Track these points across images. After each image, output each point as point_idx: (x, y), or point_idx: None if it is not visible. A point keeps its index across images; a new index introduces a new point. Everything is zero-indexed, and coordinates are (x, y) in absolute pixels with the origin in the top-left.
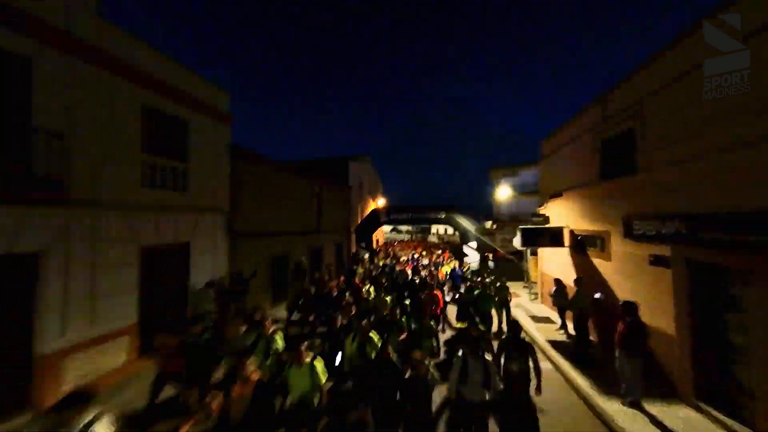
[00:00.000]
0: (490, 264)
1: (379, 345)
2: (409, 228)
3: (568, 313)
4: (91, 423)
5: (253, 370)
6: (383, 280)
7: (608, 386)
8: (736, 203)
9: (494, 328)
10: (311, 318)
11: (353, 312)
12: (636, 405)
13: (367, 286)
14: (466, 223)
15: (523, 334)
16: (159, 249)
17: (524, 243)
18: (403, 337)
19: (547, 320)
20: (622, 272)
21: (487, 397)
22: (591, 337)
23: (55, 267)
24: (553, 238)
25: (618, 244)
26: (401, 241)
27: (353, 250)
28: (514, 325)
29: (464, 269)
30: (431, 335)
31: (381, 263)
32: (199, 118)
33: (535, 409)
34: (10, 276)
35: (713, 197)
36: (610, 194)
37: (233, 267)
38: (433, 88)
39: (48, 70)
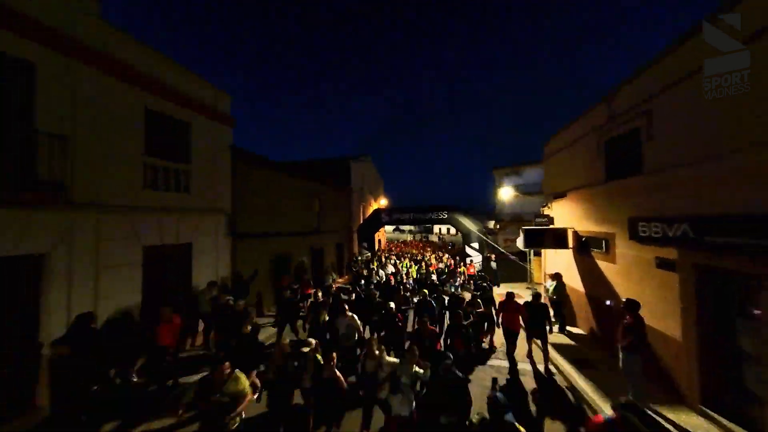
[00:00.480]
0: (493, 265)
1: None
2: (411, 228)
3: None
4: None
5: None
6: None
7: (611, 390)
8: (746, 206)
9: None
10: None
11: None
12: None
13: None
14: (468, 223)
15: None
16: (162, 250)
17: (527, 244)
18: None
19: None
20: (627, 275)
21: None
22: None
23: (60, 268)
24: (557, 239)
25: (623, 247)
26: (403, 242)
27: (355, 250)
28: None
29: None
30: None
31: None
32: (200, 120)
33: None
34: (15, 277)
35: (722, 199)
36: (615, 195)
37: (235, 267)
38: (434, 87)
39: (51, 74)
